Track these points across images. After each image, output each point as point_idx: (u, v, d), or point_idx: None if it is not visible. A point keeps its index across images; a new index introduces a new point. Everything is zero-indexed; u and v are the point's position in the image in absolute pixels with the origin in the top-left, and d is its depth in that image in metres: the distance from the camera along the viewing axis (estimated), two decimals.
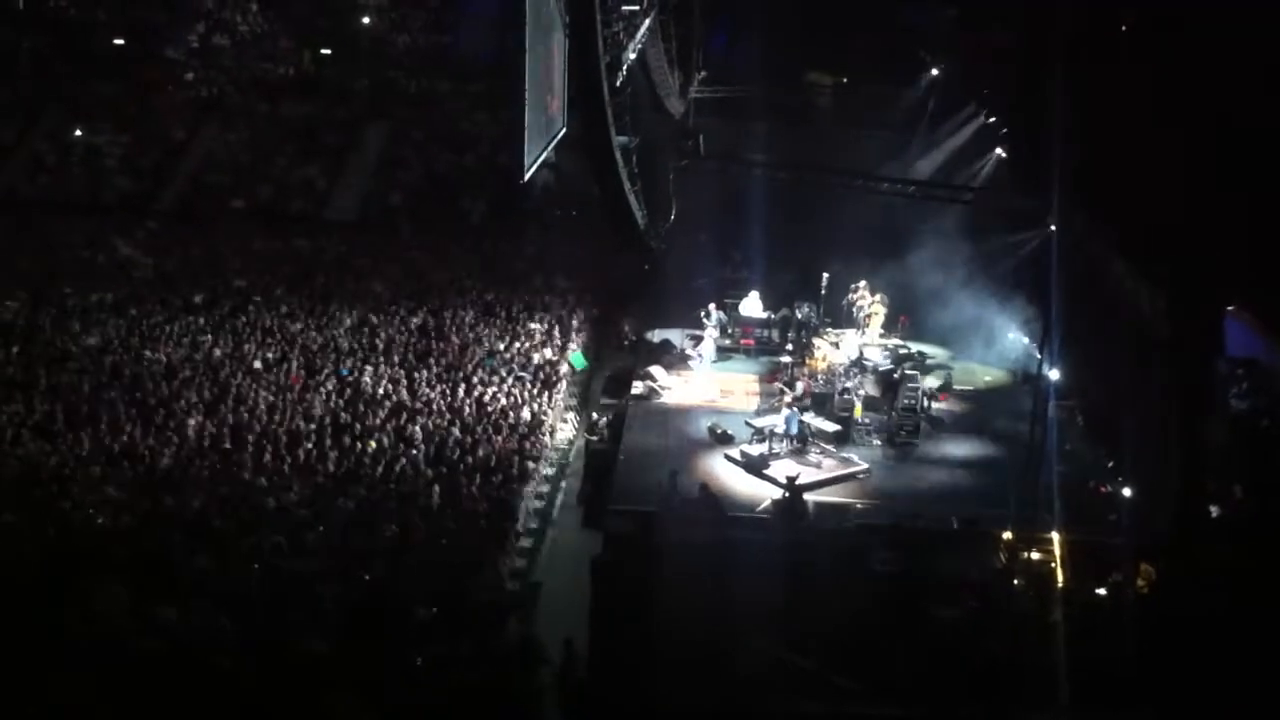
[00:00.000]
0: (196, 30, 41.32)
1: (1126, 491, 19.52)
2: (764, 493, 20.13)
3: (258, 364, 23.50)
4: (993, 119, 31.42)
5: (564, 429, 23.45)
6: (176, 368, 23.07)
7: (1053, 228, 22.90)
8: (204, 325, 25.67)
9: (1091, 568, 17.46)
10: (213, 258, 31.25)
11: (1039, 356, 21.01)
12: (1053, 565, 17.60)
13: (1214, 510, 18.46)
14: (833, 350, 24.93)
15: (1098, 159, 21.68)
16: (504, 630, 15.92)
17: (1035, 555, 17.61)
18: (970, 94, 32.49)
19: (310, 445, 19.96)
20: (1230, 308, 20.12)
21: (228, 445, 19.92)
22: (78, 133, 37.97)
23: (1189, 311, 19.55)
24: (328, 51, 41.33)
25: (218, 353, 24.00)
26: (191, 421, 20.65)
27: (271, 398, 21.69)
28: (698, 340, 26.00)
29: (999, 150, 30.95)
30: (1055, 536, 17.91)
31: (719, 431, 22.19)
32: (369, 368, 23.45)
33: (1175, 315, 19.86)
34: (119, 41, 40.84)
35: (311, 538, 17.11)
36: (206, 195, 36.41)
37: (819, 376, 23.96)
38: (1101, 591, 17.21)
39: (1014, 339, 26.28)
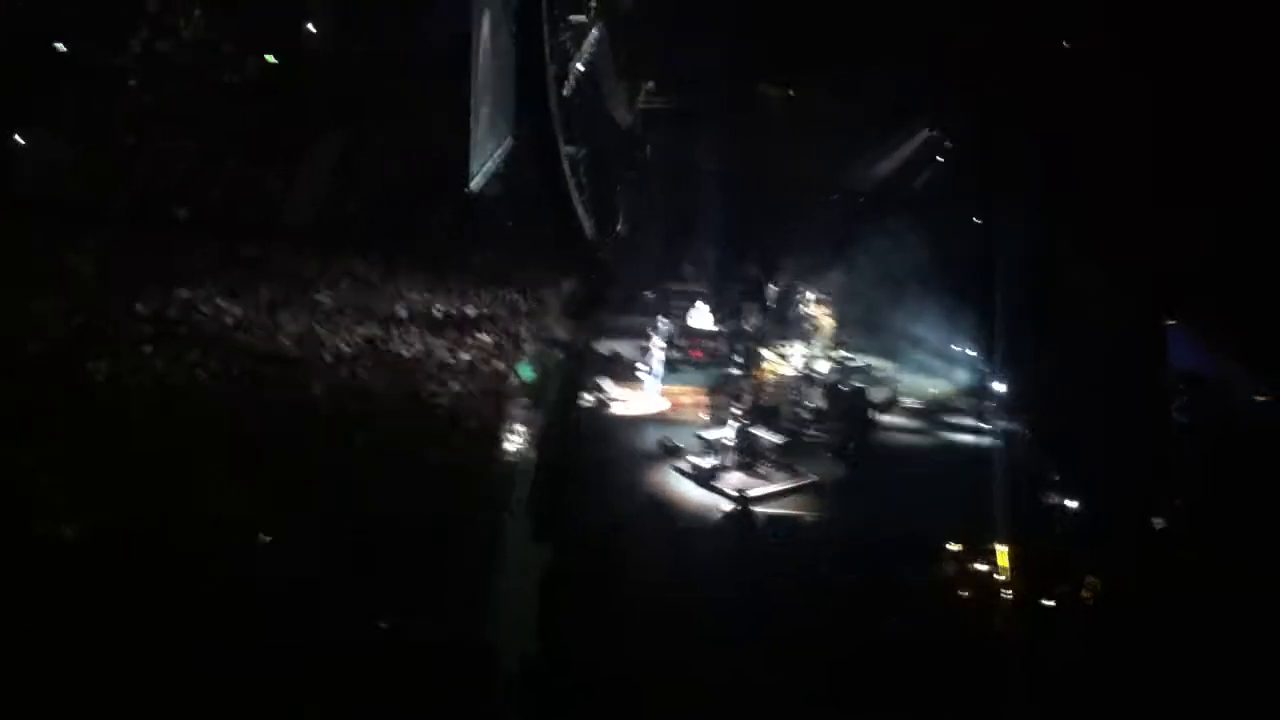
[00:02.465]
0: (140, 36, 40.73)
1: (1073, 503, 19.73)
2: (714, 505, 20.14)
3: (202, 373, 23.17)
4: (941, 129, 31.67)
5: (513, 441, 23.30)
6: (122, 376, 22.68)
7: (1000, 239, 23.15)
8: (150, 334, 25.28)
9: (1038, 579, 17.61)
10: (160, 266, 30.77)
11: (986, 368, 21.21)
12: (999, 577, 17.75)
13: (1159, 522, 18.69)
14: (781, 362, 25.02)
15: (1046, 171, 21.94)
16: (461, 642, 15.79)
17: (983, 567, 17.76)
18: (920, 104, 32.74)
19: (261, 454, 19.67)
20: (1173, 321, 20.40)
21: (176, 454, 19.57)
22: (19, 140, 37.33)
23: (1136, 324, 19.81)
24: (273, 60, 40.88)
25: (160, 362, 23.64)
26: (138, 431, 20.32)
27: (220, 405, 21.38)
28: (646, 352, 25.98)
29: (947, 160, 31.20)
30: (1003, 548, 18.07)
31: (668, 444, 22.18)
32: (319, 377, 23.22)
33: (1125, 327, 20.12)
34: (59, 47, 40.17)
35: (267, 549, 16.89)
36: (154, 202, 35.87)
37: (767, 389, 24.02)
38: (1048, 603, 17.36)
39: (961, 351, 26.48)
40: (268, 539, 17.31)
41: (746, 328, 26.79)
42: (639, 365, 25.78)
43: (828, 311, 26.72)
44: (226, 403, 21.76)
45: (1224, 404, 19.88)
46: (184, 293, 28.29)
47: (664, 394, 25.07)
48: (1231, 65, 18.22)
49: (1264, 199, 18.31)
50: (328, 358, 24.56)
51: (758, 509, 19.80)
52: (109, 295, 27.75)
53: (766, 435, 21.98)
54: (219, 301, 27.72)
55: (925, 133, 32.32)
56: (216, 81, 39.63)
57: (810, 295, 27.07)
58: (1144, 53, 20.38)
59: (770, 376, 24.56)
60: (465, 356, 25.24)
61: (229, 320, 26.61)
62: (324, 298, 28.65)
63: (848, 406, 23.04)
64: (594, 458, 21.77)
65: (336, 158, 37.71)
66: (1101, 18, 22.72)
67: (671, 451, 21.98)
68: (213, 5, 40.50)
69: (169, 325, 26.03)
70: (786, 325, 27.28)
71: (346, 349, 25.20)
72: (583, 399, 24.21)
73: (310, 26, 41.04)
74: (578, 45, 25.39)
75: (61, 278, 29.17)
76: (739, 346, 26.51)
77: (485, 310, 28.43)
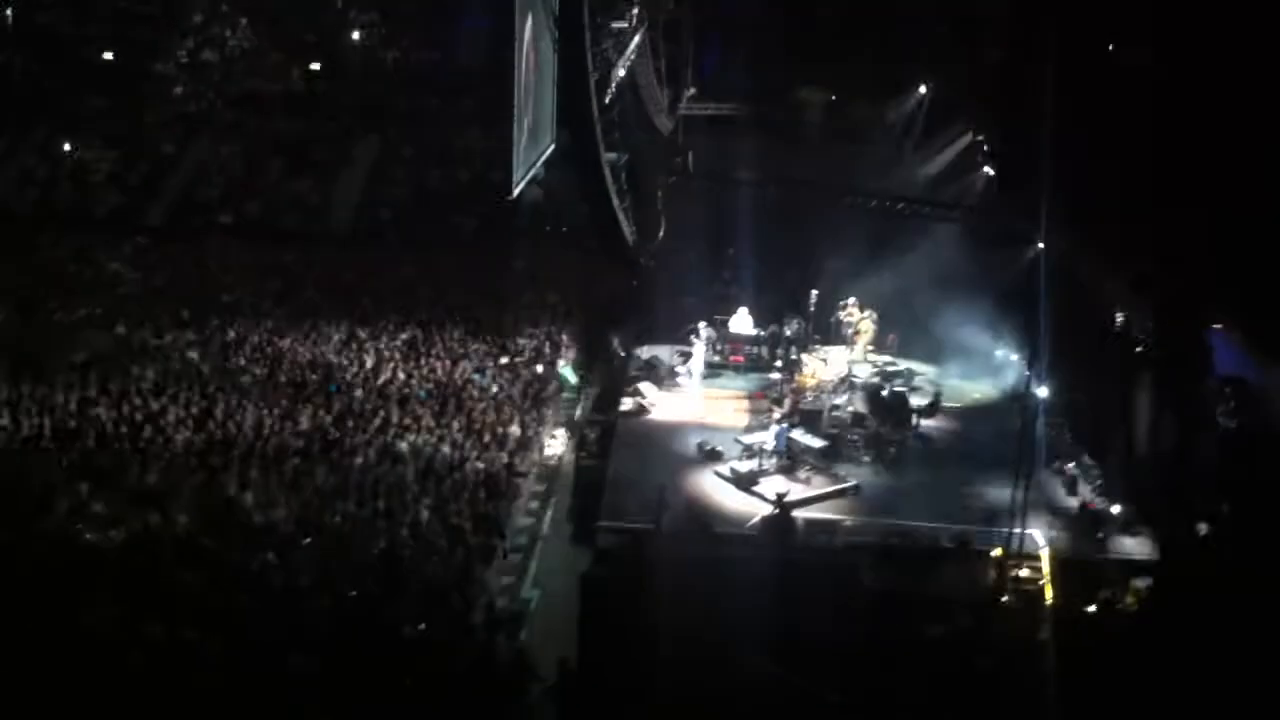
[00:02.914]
0: (185, 45, 41.31)
1: (1115, 509, 19.57)
2: (753, 509, 20.10)
3: (245, 379, 23.42)
4: (981, 136, 31.55)
5: (553, 445, 23.39)
6: (164, 383, 22.98)
7: (1041, 245, 22.97)
8: (192, 340, 25.61)
9: (1081, 585, 17.48)
10: (201, 273, 31.19)
11: (1028, 374, 21.05)
12: (1042, 583, 17.63)
13: (1202, 528, 18.51)
14: (822, 367, 24.94)
15: (1086, 178, 21.79)
16: (494, 648, 15.86)
17: (1025, 573, 17.64)
18: (959, 111, 32.65)
19: (298, 460, 19.89)
20: (1218, 326, 20.19)
21: (215, 461, 19.83)
22: (66, 146, 37.94)
23: (1178, 330, 19.65)
24: (317, 67, 41.35)
25: (205, 368, 23.93)
26: (179, 437, 20.57)
27: (259, 413, 21.60)
28: (687, 357, 25.96)
29: (987, 168, 31.08)
30: (1044, 554, 17.95)
31: (708, 448, 22.15)
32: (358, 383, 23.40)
33: (1164, 334, 19.95)
34: (108, 56, 40.81)
35: (300, 554, 17.03)
36: (195, 210, 36.39)
37: (808, 393, 23.95)
38: (1091, 609, 17.23)
39: (1003, 356, 26.31)
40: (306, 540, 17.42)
41: (787, 332, 26.71)
42: (679, 369, 25.78)
43: (868, 316, 26.60)
44: (270, 407, 21.97)
45: (1267, 409, 19.66)
46: (225, 298, 28.70)
47: (704, 398, 25.05)
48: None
49: None
50: (369, 362, 24.76)
51: (798, 513, 19.75)
52: (150, 302, 28.18)
53: (807, 440, 21.89)
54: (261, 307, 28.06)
55: (966, 138, 32.18)
56: (258, 90, 40.24)
57: (850, 300, 26.96)
58: (1185, 58, 20.22)
59: (811, 381, 24.44)
60: (505, 360, 25.38)
61: (271, 325, 26.91)
62: (365, 302, 28.92)
63: (889, 411, 22.91)
64: (634, 461, 21.78)
65: (377, 165, 38.14)
66: (1142, 24, 22.58)
67: (711, 455, 21.94)
68: (256, 16, 41.12)
69: (211, 331, 26.38)
70: (827, 330, 27.20)
71: (387, 353, 25.40)
72: (623, 403, 24.24)
73: (353, 36, 41.59)
74: (619, 52, 25.43)
75: (101, 285, 29.67)
76: (779, 351, 26.45)
77: (525, 314, 28.58)
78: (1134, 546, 18.87)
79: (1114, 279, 22.34)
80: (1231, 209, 18.66)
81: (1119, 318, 22.59)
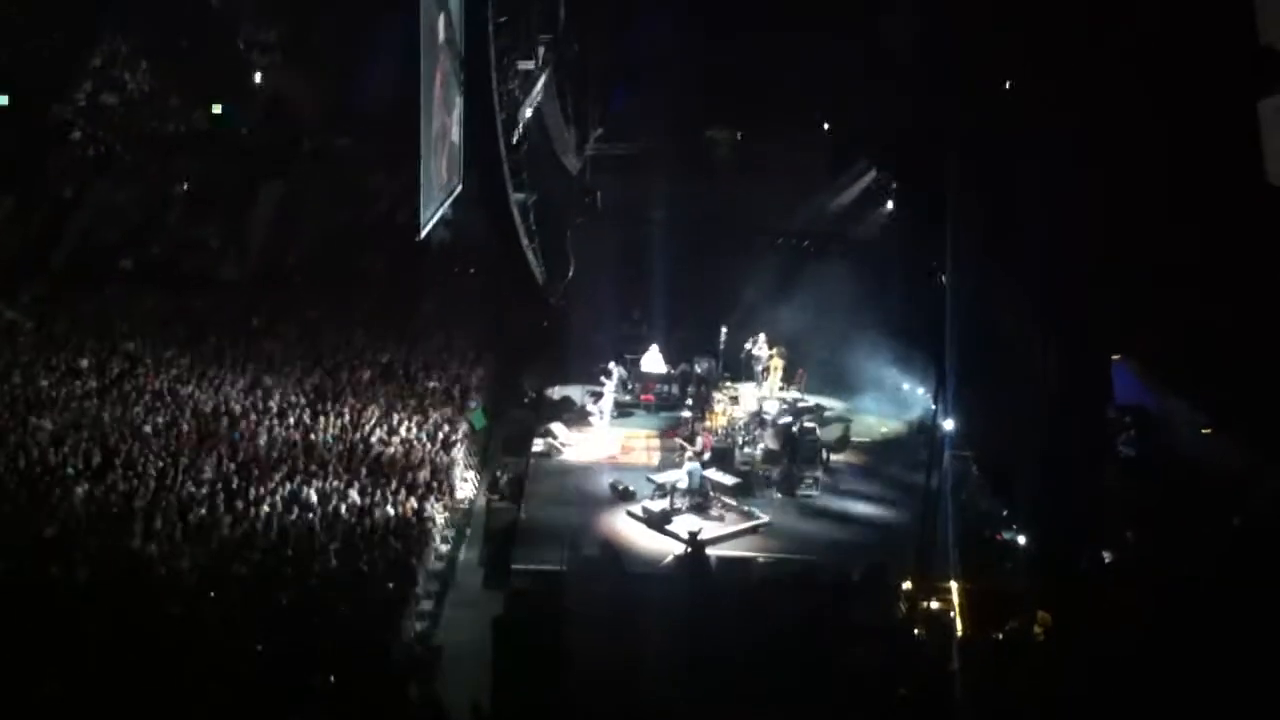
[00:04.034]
0: (84, 88, 40.54)
1: (1022, 539, 19.85)
2: (667, 548, 20.09)
3: (147, 428, 22.89)
4: (885, 173, 32.03)
5: (464, 488, 23.18)
6: (62, 434, 22.37)
7: (944, 279, 23.35)
8: (92, 389, 24.99)
9: (989, 615, 17.67)
10: (101, 319, 30.49)
11: (935, 407, 21.33)
12: (952, 613, 17.79)
13: (1107, 555, 18.83)
14: (732, 404, 25.09)
15: (989, 214, 22.21)
16: (407, 694, 15.61)
17: (935, 604, 17.80)
18: (864, 149, 33.11)
19: (203, 510, 19.47)
20: (1117, 357, 20.65)
21: (116, 512, 19.33)
22: None
23: (1079, 361, 20.03)
24: (219, 109, 40.78)
25: (105, 417, 23.34)
26: (78, 489, 20.03)
27: (161, 463, 21.12)
28: (598, 396, 25.94)
29: (891, 204, 31.56)
30: (954, 585, 18.13)
31: (620, 488, 22.13)
32: (263, 430, 22.99)
33: (1066, 365, 20.32)
34: (3, 100, 39.88)
35: (205, 606, 16.64)
36: (95, 255, 35.62)
37: (719, 431, 24.06)
38: (999, 638, 17.41)
39: (910, 390, 26.66)
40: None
41: (698, 370, 26.86)
42: (591, 409, 25.75)
43: (778, 352, 26.83)
44: (170, 458, 21.49)
45: (1167, 438, 20.12)
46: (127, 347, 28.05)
47: (616, 438, 25.04)
48: (1174, 109, 18.55)
49: (1205, 237, 18.60)
50: (274, 408, 24.35)
51: (711, 551, 19.77)
52: (50, 350, 27.45)
53: (719, 477, 21.98)
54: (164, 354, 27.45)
55: (871, 174, 32.66)
56: (159, 133, 39.58)
57: (760, 336, 27.19)
58: (1086, 95, 20.72)
59: (721, 418, 24.62)
60: (413, 403, 25.09)
61: (174, 373, 26.33)
62: (270, 347, 28.47)
63: (799, 447, 23.12)
64: (546, 503, 21.68)
65: (282, 207, 37.68)
66: (1041, 60, 23.11)
67: (624, 495, 21.93)
68: (158, 58, 40.43)
69: (112, 380, 25.77)
70: (737, 367, 27.38)
71: (293, 398, 25.00)
72: (534, 444, 24.13)
73: (256, 79, 41.10)
74: (526, 92, 25.47)
75: None
76: (690, 389, 26.56)
77: (434, 356, 28.32)
78: (1039, 575, 19.13)
79: (1017, 312, 22.73)
80: (1131, 245, 19.12)
81: (1022, 350, 22.99)
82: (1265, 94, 14.43)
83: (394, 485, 20.95)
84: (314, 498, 20.12)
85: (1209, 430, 20.15)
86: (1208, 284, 18.72)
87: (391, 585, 17.84)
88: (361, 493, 20.49)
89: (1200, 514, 18.58)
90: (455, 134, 24.01)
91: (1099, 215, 19.86)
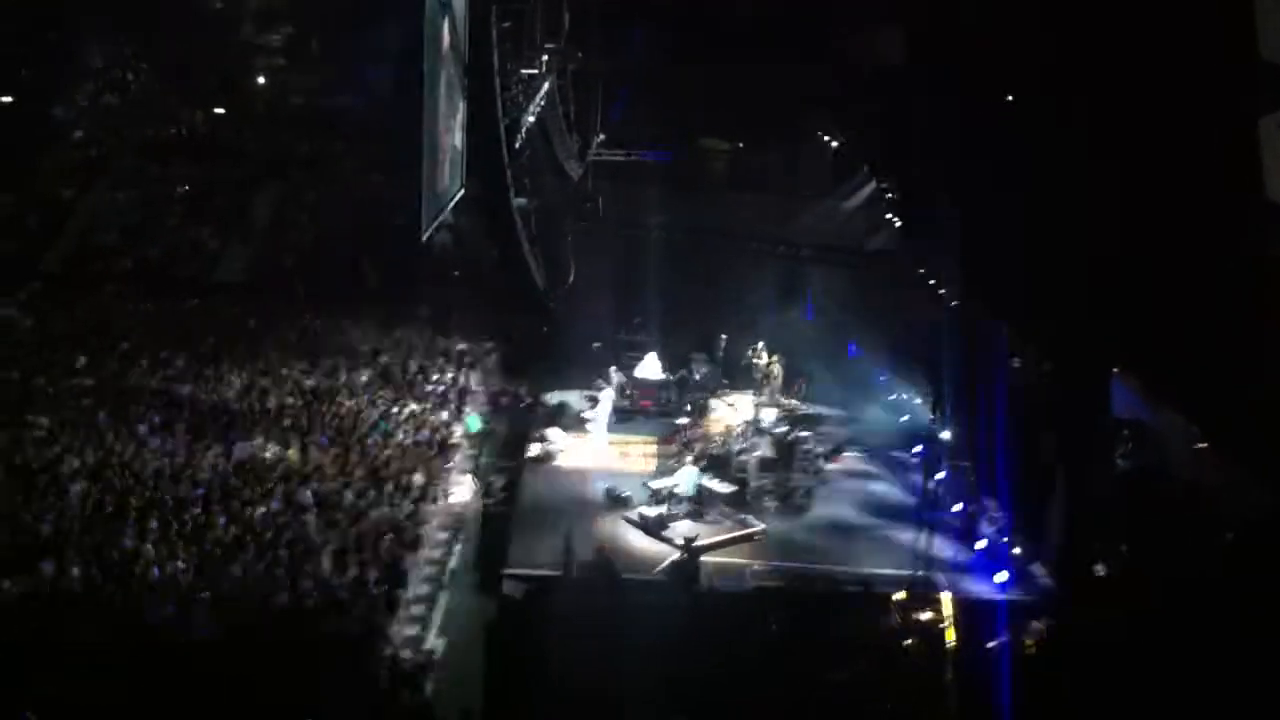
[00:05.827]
0: (85, 89, 40.63)
1: (1016, 551, 19.86)
2: (661, 554, 20.09)
3: (143, 428, 22.88)
4: (884, 185, 32.08)
5: (459, 492, 23.16)
6: (59, 433, 22.36)
7: (943, 292, 23.42)
8: (88, 389, 24.96)
9: (981, 627, 17.68)
10: (99, 320, 30.48)
11: (931, 418, 21.36)
12: (944, 625, 17.80)
13: (1100, 569, 18.84)
14: (729, 412, 25.10)
15: (987, 226, 22.23)
16: (399, 700, 15.60)
17: (927, 615, 17.81)
18: (863, 161, 33.17)
19: (198, 511, 19.44)
20: (1116, 371, 20.66)
21: (111, 511, 19.30)
22: None
23: (1075, 375, 20.04)
24: (220, 111, 40.90)
25: (102, 416, 23.33)
26: (74, 488, 20.01)
27: (157, 463, 21.11)
28: (595, 402, 25.95)
29: (891, 216, 31.61)
30: (946, 596, 18.14)
31: (616, 494, 22.13)
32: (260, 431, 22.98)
33: (1062, 378, 20.34)
34: (4, 99, 39.97)
35: (199, 607, 16.63)
36: (93, 256, 35.63)
37: (716, 438, 24.07)
38: (991, 650, 17.42)
39: (907, 401, 26.67)
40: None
41: (695, 377, 26.88)
42: (587, 415, 25.75)
43: (776, 360, 26.86)
44: (166, 459, 21.47)
45: (1163, 452, 20.11)
46: (123, 347, 28.02)
47: (613, 444, 25.04)
48: (1173, 124, 18.57)
49: (1204, 253, 18.62)
50: (270, 410, 24.33)
51: (706, 558, 19.77)
52: (47, 351, 27.44)
53: (714, 484, 21.99)
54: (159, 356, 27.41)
55: (870, 186, 32.70)
56: (160, 135, 39.68)
57: (759, 344, 27.22)
58: (1085, 109, 20.74)
59: (718, 426, 24.63)
60: (412, 408, 25.09)
61: (169, 374, 26.31)
62: (268, 350, 28.44)
63: (795, 455, 23.14)
64: (541, 508, 21.68)
65: (280, 210, 37.73)
66: (1043, 74, 23.16)
67: (619, 501, 21.93)
68: (159, 61, 40.56)
69: (107, 380, 25.75)
70: (735, 375, 27.41)
71: (290, 401, 24.98)
72: (530, 449, 24.14)
73: (258, 81, 41.24)
74: (529, 99, 25.54)
75: None
76: (688, 396, 26.58)
77: (432, 361, 28.33)
78: (1034, 588, 19.16)
79: (1015, 325, 22.74)
80: (1129, 258, 19.12)
81: (1020, 362, 23.02)
82: (1266, 111, 14.45)
83: (389, 489, 20.96)
84: (309, 499, 20.11)
85: (1204, 445, 20.15)
86: (1206, 299, 18.73)
87: (384, 589, 17.83)
88: (357, 495, 20.49)
89: (1193, 528, 18.58)
90: (458, 139, 24.07)
91: (1099, 228, 19.86)
